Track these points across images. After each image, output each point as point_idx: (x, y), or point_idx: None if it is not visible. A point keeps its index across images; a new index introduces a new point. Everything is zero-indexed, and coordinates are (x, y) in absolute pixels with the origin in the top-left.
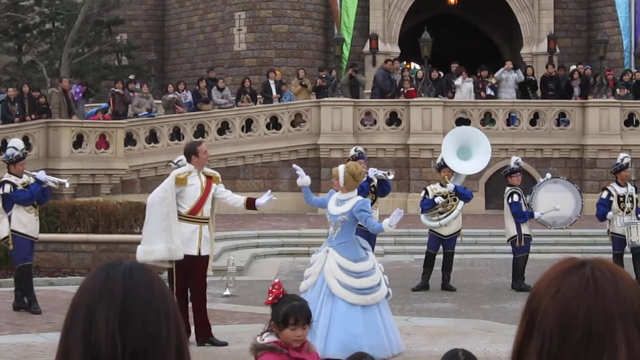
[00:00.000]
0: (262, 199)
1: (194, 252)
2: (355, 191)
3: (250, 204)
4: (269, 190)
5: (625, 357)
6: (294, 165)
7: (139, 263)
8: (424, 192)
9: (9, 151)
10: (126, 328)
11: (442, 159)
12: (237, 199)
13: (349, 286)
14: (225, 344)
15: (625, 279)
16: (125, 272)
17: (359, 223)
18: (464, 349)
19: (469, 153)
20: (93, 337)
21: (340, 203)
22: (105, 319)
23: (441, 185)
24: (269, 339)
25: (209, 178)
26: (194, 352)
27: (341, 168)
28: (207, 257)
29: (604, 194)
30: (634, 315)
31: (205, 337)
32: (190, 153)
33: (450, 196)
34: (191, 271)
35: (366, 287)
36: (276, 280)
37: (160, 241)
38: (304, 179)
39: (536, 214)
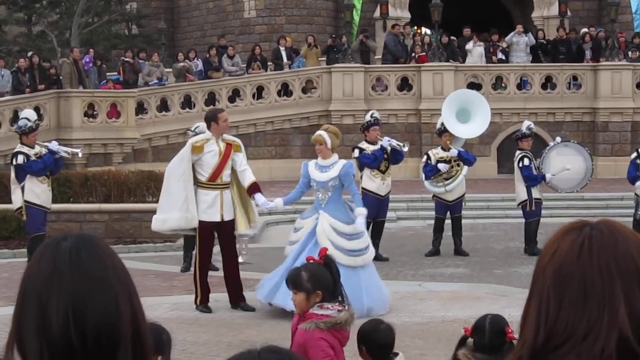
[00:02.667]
0: (261, 201)
1: (217, 219)
2: (336, 156)
3: (252, 191)
4: (275, 204)
5: (626, 315)
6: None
7: (86, 238)
8: (425, 157)
9: (21, 122)
10: (83, 313)
11: (443, 124)
12: (246, 178)
13: (342, 247)
14: (253, 309)
15: (627, 238)
16: (72, 253)
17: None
18: (493, 315)
19: (468, 116)
20: (47, 328)
21: (325, 169)
22: (56, 309)
23: (443, 149)
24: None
25: (229, 145)
26: (209, 317)
27: (323, 132)
28: (232, 222)
29: (633, 155)
30: (637, 273)
31: (237, 302)
32: (210, 119)
33: (455, 161)
34: (219, 237)
35: (357, 249)
36: (322, 247)
37: (176, 210)
38: (277, 202)
39: (548, 176)
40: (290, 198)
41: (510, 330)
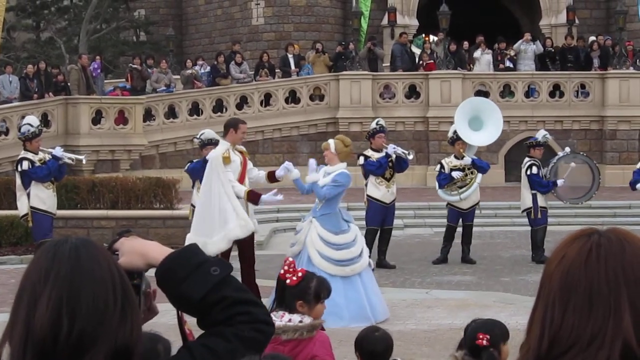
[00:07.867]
0: (280, 170)
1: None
2: (344, 164)
3: (271, 176)
4: (286, 162)
5: (630, 323)
6: (285, 164)
7: (86, 240)
8: (439, 166)
9: (24, 128)
10: (74, 307)
11: (455, 132)
12: (260, 173)
13: (329, 257)
14: None
15: (636, 247)
16: (72, 251)
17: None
18: (480, 319)
19: (480, 123)
20: (34, 318)
21: (327, 175)
22: (47, 300)
23: (456, 157)
24: (296, 317)
25: (241, 153)
26: None
27: (331, 140)
28: (252, 232)
29: (639, 165)
30: None
31: None
32: (231, 126)
33: (468, 169)
34: (240, 244)
35: (345, 259)
36: (291, 259)
37: (222, 229)
38: (294, 172)
39: (559, 181)
40: (301, 184)
41: (480, 337)
